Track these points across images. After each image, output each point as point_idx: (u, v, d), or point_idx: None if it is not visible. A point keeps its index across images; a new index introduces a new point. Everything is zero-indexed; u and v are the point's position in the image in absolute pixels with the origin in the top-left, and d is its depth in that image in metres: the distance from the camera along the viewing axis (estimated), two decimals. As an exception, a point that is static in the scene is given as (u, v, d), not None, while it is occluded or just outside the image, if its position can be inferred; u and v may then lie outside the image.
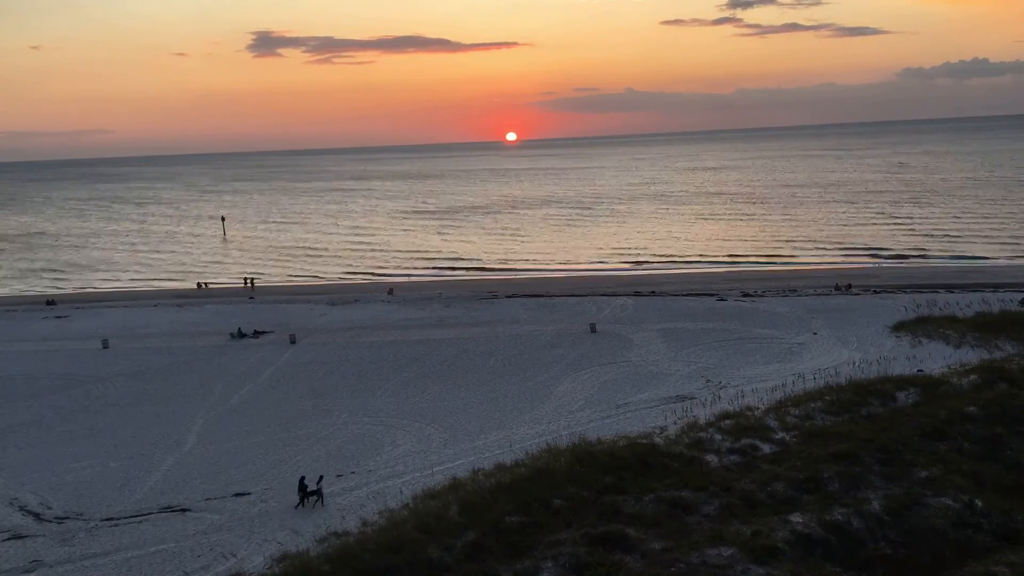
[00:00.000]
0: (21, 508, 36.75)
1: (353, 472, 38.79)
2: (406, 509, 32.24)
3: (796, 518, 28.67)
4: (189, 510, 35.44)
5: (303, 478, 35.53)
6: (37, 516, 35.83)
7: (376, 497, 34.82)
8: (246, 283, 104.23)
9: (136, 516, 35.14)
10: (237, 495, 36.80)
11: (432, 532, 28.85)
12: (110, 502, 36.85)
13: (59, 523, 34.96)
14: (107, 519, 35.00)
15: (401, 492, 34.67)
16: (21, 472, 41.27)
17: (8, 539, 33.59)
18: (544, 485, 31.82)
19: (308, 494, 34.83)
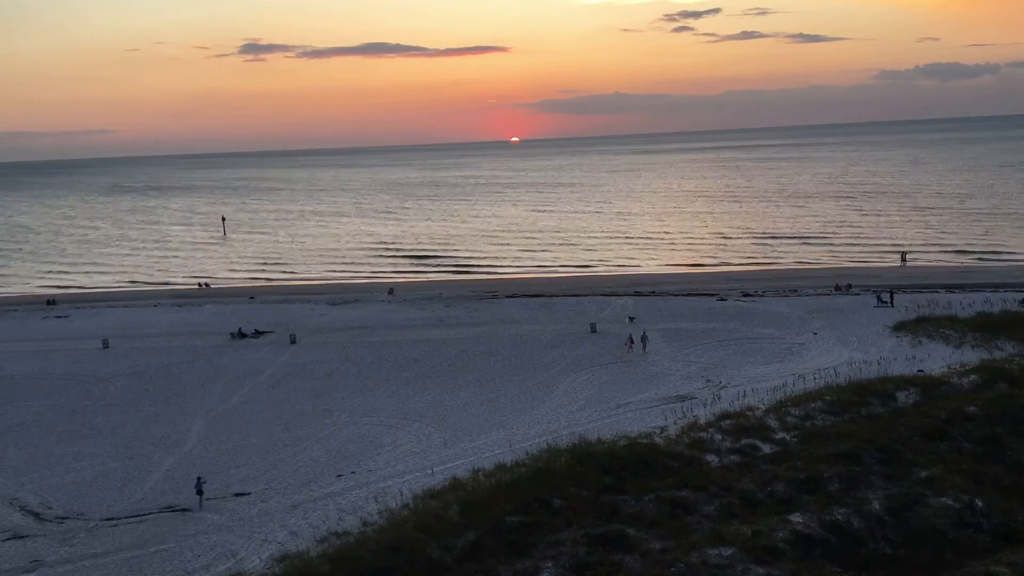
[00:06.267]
0: (21, 508, 36.78)
1: (353, 472, 38.80)
2: (406, 509, 32.26)
3: (796, 518, 28.66)
4: (189, 510, 35.45)
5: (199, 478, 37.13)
6: (37, 516, 35.85)
7: (376, 497, 34.83)
8: (200, 286, 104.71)
9: (136, 516, 35.17)
10: (237, 495, 36.81)
11: (432, 532, 28.85)
12: (110, 502, 36.88)
13: (59, 523, 34.99)
14: (107, 519, 35.02)
15: (401, 492, 34.68)
16: (21, 472, 41.29)
17: (8, 539, 33.61)
18: (544, 485, 31.82)
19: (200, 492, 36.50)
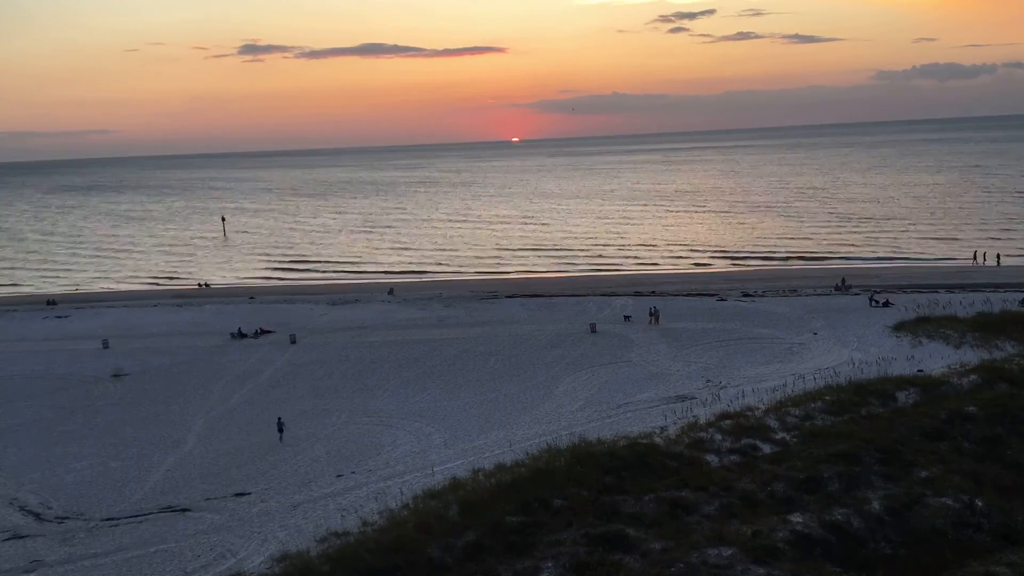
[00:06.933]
0: (21, 508, 36.79)
1: (353, 472, 38.80)
2: (406, 509, 32.24)
3: (796, 518, 28.66)
4: (189, 510, 35.46)
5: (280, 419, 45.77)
6: (37, 516, 35.86)
7: (376, 497, 34.82)
8: (200, 286, 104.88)
9: (136, 516, 35.18)
10: (237, 495, 36.82)
11: (432, 532, 28.84)
12: (110, 502, 36.88)
13: (59, 523, 35.00)
14: (107, 519, 35.03)
15: (401, 492, 34.67)
16: (21, 472, 41.31)
17: (8, 539, 33.62)
18: (544, 485, 31.81)
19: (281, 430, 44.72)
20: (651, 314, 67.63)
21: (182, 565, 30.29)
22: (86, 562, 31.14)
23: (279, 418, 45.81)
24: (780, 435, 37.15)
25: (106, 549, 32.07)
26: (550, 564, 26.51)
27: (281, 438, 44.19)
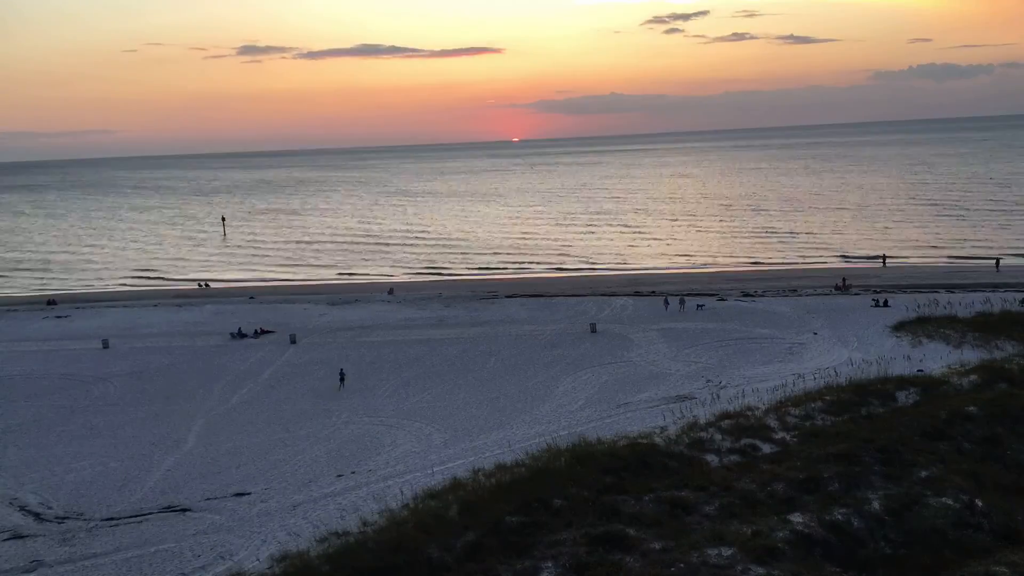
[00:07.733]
0: (21, 508, 36.77)
1: (353, 472, 38.79)
2: (406, 509, 32.23)
3: (796, 518, 28.65)
4: (189, 510, 35.45)
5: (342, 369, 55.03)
6: (37, 516, 35.85)
7: (376, 497, 34.80)
8: (200, 286, 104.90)
9: (136, 516, 35.16)
10: (237, 495, 36.81)
11: (432, 532, 28.83)
12: (110, 502, 36.87)
13: (59, 523, 34.99)
14: (107, 519, 35.01)
15: (401, 492, 34.66)
16: (21, 472, 41.29)
17: (8, 539, 33.60)
18: (544, 485, 31.80)
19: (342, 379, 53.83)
20: (681, 303, 72.74)
21: (182, 565, 30.28)
22: (86, 562, 31.12)
23: (341, 369, 54.96)
24: (780, 435, 37.16)
25: (106, 549, 32.05)
26: (550, 564, 26.50)
27: (342, 386, 53.08)
